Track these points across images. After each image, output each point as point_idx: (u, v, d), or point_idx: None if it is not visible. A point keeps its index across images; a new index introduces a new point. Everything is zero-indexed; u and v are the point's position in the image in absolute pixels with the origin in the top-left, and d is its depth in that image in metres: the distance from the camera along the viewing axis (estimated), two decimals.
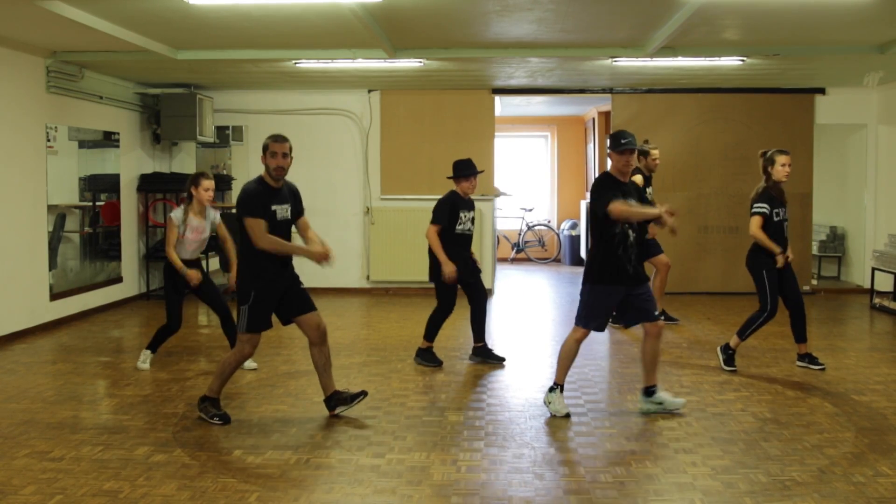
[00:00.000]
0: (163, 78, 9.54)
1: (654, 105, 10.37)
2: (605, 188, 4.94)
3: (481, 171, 6.64)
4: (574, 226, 13.85)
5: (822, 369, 6.28)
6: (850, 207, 10.96)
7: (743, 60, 8.19)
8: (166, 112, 9.82)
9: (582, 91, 10.52)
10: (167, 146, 10.63)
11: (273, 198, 4.82)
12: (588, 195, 13.68)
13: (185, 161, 10.86)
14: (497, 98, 10.61)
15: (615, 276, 4.97)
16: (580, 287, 5.21)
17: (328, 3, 5.96)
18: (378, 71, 8.88)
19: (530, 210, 14.32)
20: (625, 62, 8.23)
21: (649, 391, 5.18)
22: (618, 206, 4.77)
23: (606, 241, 4.96)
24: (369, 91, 10.49)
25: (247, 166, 10.70)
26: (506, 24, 6.74)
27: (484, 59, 8.16)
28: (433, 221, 6.43)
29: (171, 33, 7.15)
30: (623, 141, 4.91)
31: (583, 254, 13.60)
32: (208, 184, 6.16)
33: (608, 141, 5.08)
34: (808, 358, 6.37)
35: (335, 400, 5.11)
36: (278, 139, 4.83)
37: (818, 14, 6.37)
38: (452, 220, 6.40)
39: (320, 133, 10.49)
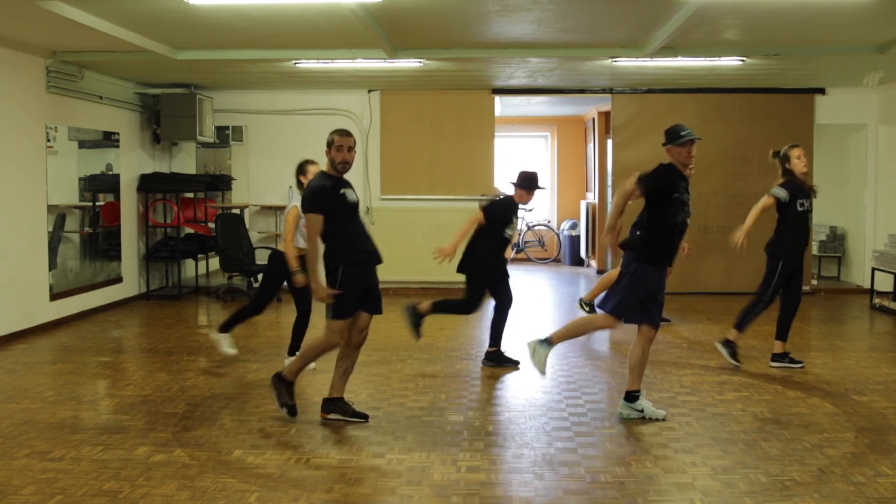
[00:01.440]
0: (163, 78, 9.54)
1: (653, 105, 10.36)
2: (670, 175, 5.02)
3: (544, 188, 6.68)
4: (574, 226, 13.85)
5: (802, 366, 6.31)
6: (850, 207, 10.95)
7: (743, 60, 8.19)
8: (166, 112, 9.82)
9: (582, 91, 10.52)
10: (167, 146, 10.63)
11: (339, 184, 4.92)
12: (588, 192, 13.71)
13: (184, 161, 10.86)
14: (497, 98, 10.61)
15: (666, 259, 5.01)
16: (625, 264, 5.11)
17: (328, 3, 5.96)
18: (378, 71, 8.88)
19: (530, 210, 14.32)
20: (625, 62, 8.23)
21: (632, 396, 5.08)
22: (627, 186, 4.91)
23: (669, 227, 5.01)
24: (369, 91, 10.49)
25: (247, 166, 10.71)
26: (506, 24, 6.74)
27: (484, 59, 8.16)
28: (481, 207, 6.45)
29: (171, 33, 7.15)
30: (683, 133, 4.98)
31: (583, 254, 13.61)
32: (314, 169, 6.16)
33: (666, 136, 5.07)
34: (788, 358, 6.36)
35: (337, 405, 5.05)
36: (344, 133, 4.95)
37: (818, 14, 6.37)
38: (506, 221, 6.41)
39: (320, 133, 10.32)
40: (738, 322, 6.36)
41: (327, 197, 4.82)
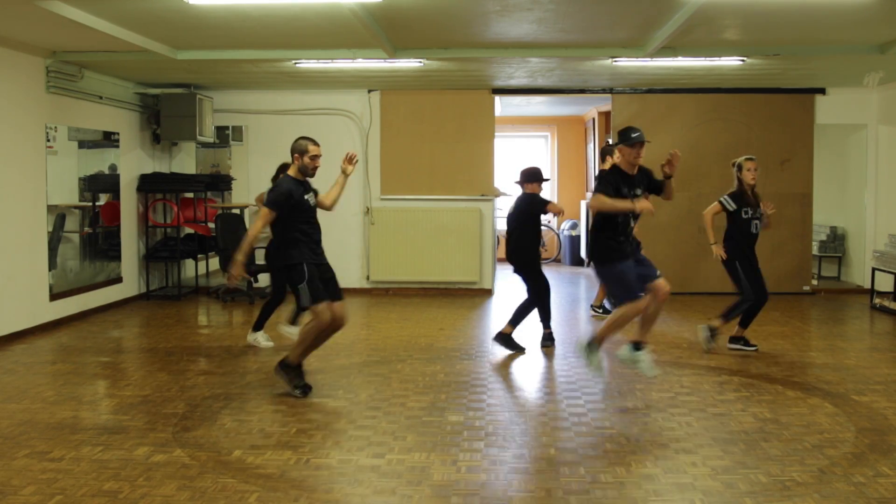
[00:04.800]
0: (163, 78, 9.53)
1: (654, 105, 10.36)
2: (605, 182, 5.41)
3: (548, 179, 7.52)
4: (574, 226, 13.85)
5: (755, 349, 6.92)
6: (850, 207, 10.95)
7: (743, 60, 8.19)
8: (166, 112, 9.82)
9: (582, 91, 10.51)
10: (167, 146, 10.63)
11: (305, 190, 5.57)
12: (588, 192, 13.71)
13: (184, 161, 10.86)
14: (497, 98, 10.60)
15: (621, 254, 5.39)
16: (597, 273, 5.66)
17: (328, 3, 5.96)
18: (378, 71, 8.87)
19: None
20: (625, 62, 8.22)
21: (637, 346, 5.55)
22: (595, 201, 5.31)
23: (610, 229, 5.40)
24: (369, 91, 10.48)
25: (247, 166, 10.70)
26: (506, 24, 6.74)
27: (484, 59, 8.16)
28: (541, 212, 7.14)
29: (171, 33, 7.15)
30: (633, 135, 5.37)
31: (583, 254, 13.62)
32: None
33: (618, 136, 5.50)
34: (743, 340, 6.95)
35: (293, 372, 5.56)
36: (316, 142, 5.62)
37: (818, 14, 6.37)
38: (542, 214, 7.17)
39: (320, 133, 10.21)
40: (724, 312, 6.97)
41: (292, 202, 5.43)
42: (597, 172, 8.99)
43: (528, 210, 7.07)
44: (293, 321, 7.09)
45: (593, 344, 5.57)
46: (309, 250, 5.50)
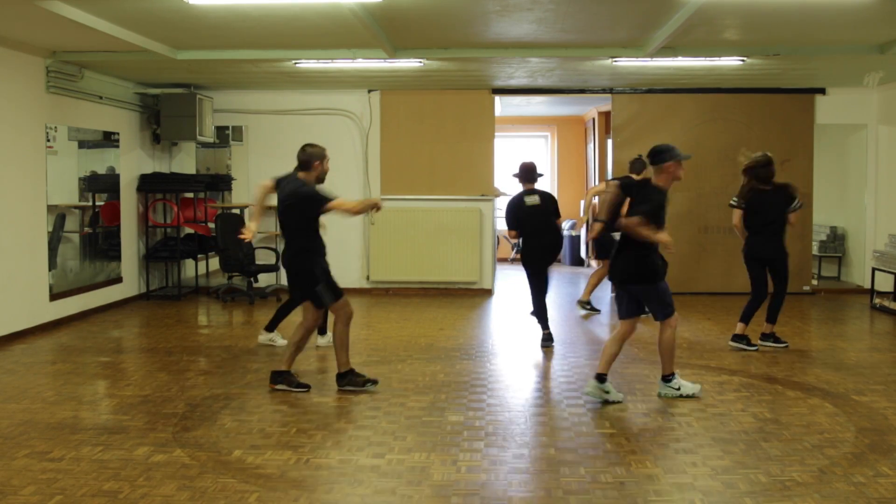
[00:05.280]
0: (163, 78, 9.53)
1: (654, 105, 10.36)
2: (653, 202, 5.26)
3: (542, 175, 7.68)
4: (574, 226, 13.84)
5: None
6: (850, 207, 10.95)
7: (743, 60, 8.19)
8: (166, 112, 9.82)
9: (582, 91, 10.51)
10: (167, 146, 10.63)
11: None
12: (587, 195, 13.69)
13: (184, 161, 10.86)
14: (497, 98, 10.60)
15: (661, 272, 5.39)
16: (638, 289, 5.39)
17: (328, 3, 5.96)
18: (378, 71, 8.87)
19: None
20: (625, 62, 8.23)
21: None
22: (628, 221, 5.17)
23: (644, 246, 5.28)
24: (369, 91, 10.48)
25: (247, 166, 10.70)
26: (506, 24, 6.74)
27: (484, 59, 8.16)
28: (559, 215, 7.55)
29: (171, 33, 7.15)
30: (678, 150, 5.28)
31: (583, 254, 13.60)
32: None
33: (659, 155, 5.28)
34: (746, 340, 6.95)
35: (351, 375, 5.67)
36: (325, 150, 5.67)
37: (818, 14, 6.37)
38: None
39: (320, 133, 10.43)
40: (767, 317, 7.02)
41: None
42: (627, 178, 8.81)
43: (553, 209, 7.38)
44: (270, 328, 7.13)
45: (599, 377, 5.38)
46: (321, 256, 5.63)
